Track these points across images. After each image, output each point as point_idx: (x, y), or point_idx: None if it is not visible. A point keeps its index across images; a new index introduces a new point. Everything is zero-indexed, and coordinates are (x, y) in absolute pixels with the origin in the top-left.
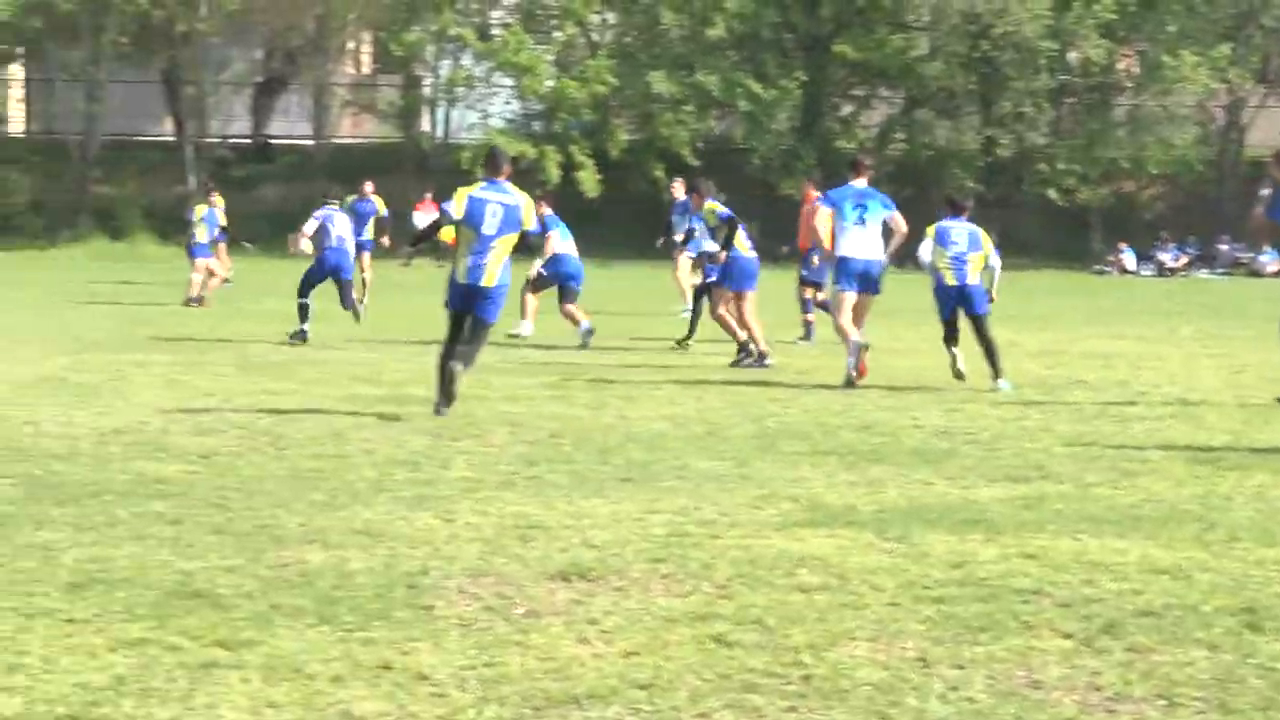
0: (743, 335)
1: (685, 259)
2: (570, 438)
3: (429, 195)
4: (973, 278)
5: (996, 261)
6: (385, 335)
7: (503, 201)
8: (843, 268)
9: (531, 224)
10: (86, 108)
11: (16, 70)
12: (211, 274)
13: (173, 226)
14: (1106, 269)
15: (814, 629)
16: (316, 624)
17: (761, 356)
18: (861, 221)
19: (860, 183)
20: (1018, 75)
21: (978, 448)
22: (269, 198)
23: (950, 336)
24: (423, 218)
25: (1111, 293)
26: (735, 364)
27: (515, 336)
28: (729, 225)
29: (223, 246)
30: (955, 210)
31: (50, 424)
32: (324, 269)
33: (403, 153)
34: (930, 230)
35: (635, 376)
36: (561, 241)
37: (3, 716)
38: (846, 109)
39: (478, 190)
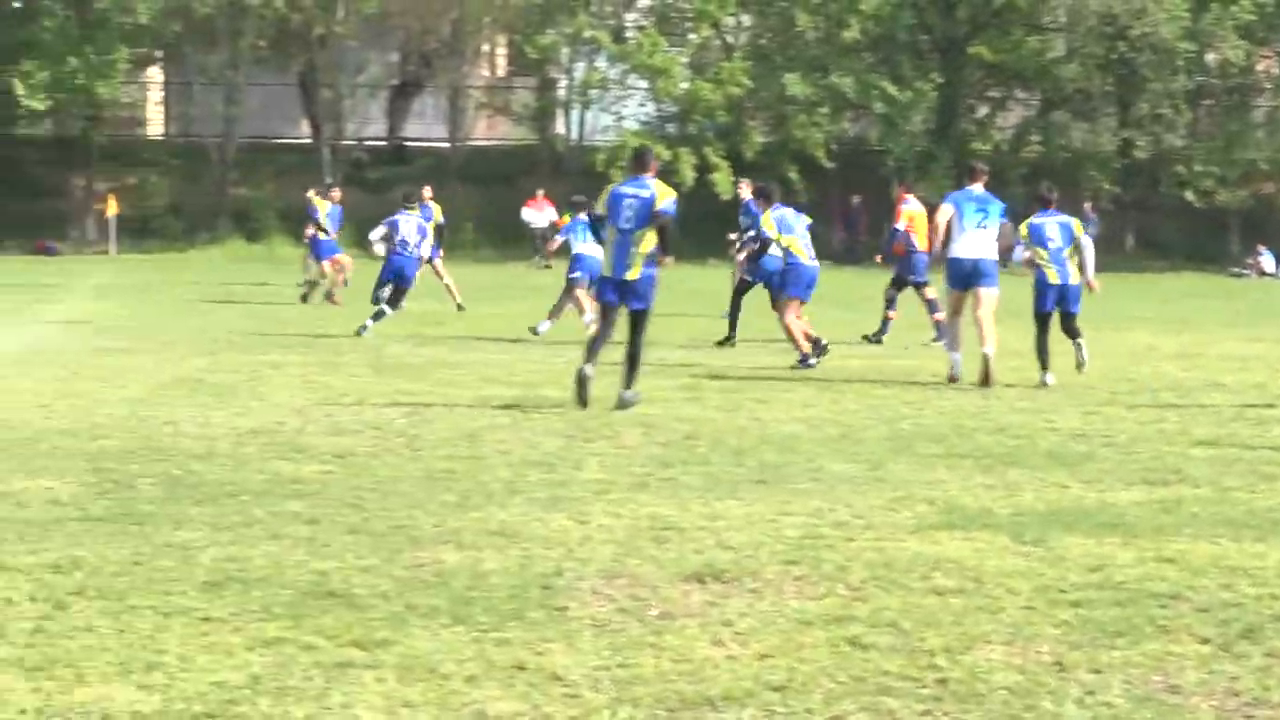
0: (805, 346)
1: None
2: (704, 439)
3: (540, 192)
4: (1073, 276)
5: (1088, 243)
6: (519, 336)
7: (638, 195)
8: (954, 269)
9: (663, 206)
10: (224, 110)
11: (155, 73)
12: (326, 271)
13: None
14: (1244, 271)
15: (949, 632)
16: (451, 624)
17: (804, 358)
18: (982, 226)
19: (977, 188)
20: (1155, 76)
21: (1114, 451)
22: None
23: (1045, 339)
24: (532, 214)
25: (1249, 295)
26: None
27: (533, 331)
28: (762, 244)
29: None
30: (1044, 204)
31: (188, 424)
32: (388, 270)
33: (537, 155)
34: (1024, 230)
35: (770, 378)
36: (582, 243)
37: (141, 714)
38: (982, 111)
39: (619, 186)
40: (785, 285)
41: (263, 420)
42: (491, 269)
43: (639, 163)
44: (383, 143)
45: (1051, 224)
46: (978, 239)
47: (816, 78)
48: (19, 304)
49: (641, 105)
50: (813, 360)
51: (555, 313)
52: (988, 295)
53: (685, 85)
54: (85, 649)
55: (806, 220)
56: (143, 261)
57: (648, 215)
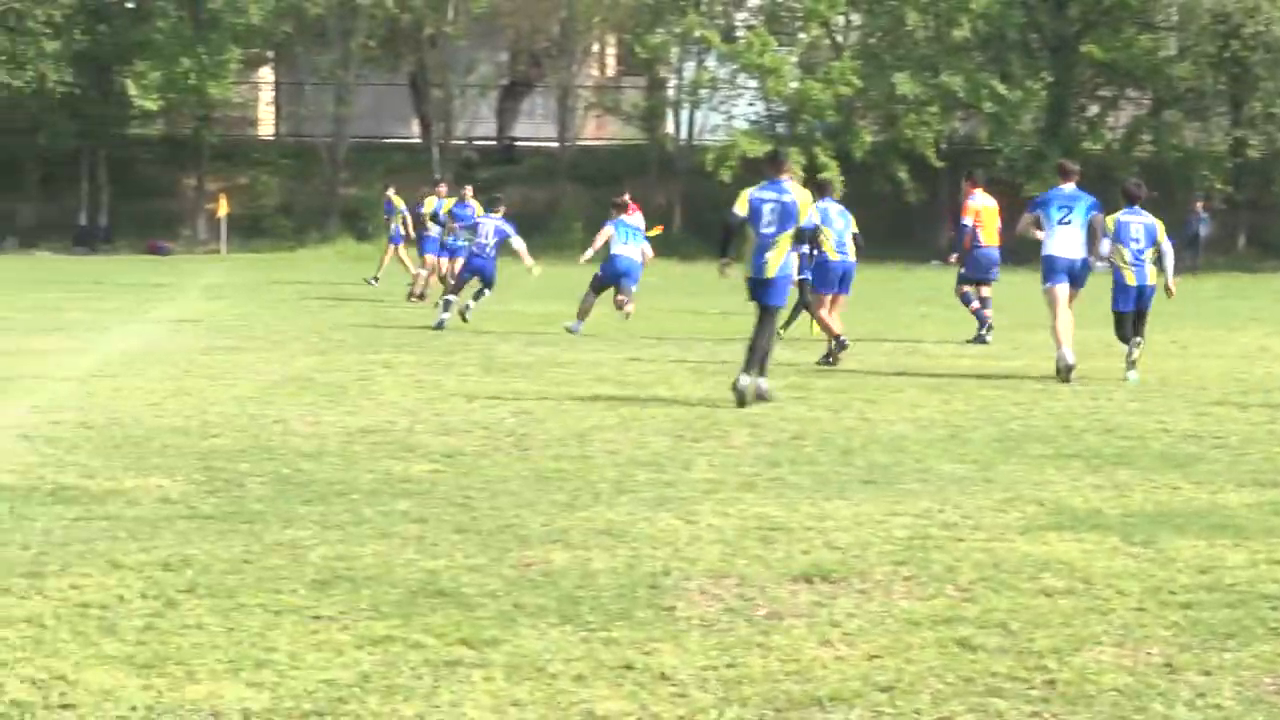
0: (834, 332)
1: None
2: (812, 439)
3: (626, 195)
4: (1151, 278)
5: (1169, 249)
6: (632, 336)
7: (779, 199)
8: (1048, 265)
9: (806, 219)
10: (335, 110)
11: (267, 74)
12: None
13: (416, 227)
14: None
15: (1058, 633)
16: (559, 623)
17: (827, 355)
18: (1066, 222)
19: (1068, 187)
20: (1268, 75)
21: (1226, 452)
22: (513, 199)
23: (1125, 330)
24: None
25: None
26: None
27: (569, 331)
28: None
29: (396, 247)
30: (1130, 200)
31: (298, 423)
32: (467, 270)
33: (646, 155)
34: (1110, 223)
35: (878, 378)
36: (620, 244)
37: (250, 712)
38: (1093, 110)
39: (757, 190)
40: (815, 282)
41: (372, 419)
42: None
43: (774, 165)
44: (492, 142)
45: (1137, 224)
46: (1066, 236)
47: (926, 77)
48: (131, 303)
49: (751, 105)
50: (834, 358)
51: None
52: (1073, 292)
53: (795, 85)
54: (195, 646)
55: (850, 220)
56: (253, 261)
57: (791, 219)
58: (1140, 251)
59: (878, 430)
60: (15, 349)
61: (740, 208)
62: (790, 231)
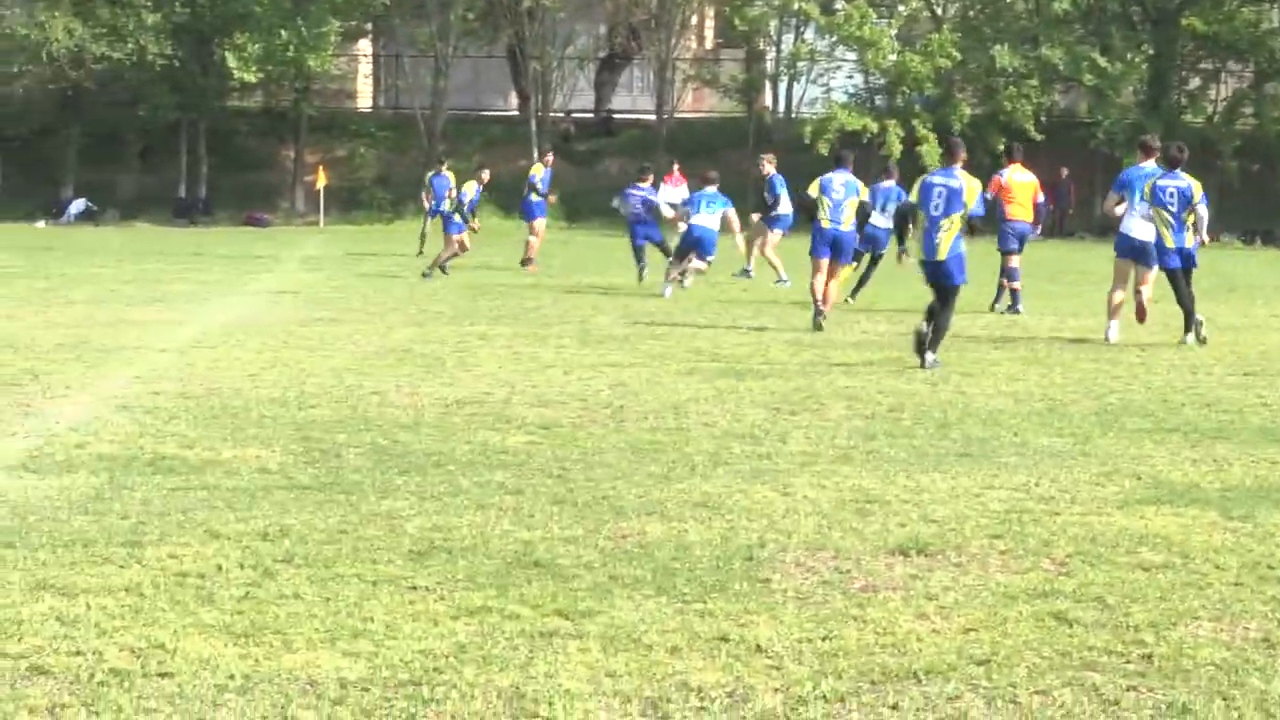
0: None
1: (776, 234)
2: (909, 412)
3: (676, 167)
4: (1189, 240)
5: (1204, 210)
6: (729, 309)
7: (947, 184)
8: (1120, 241)
9: (973, 205)
10: (433, 83)
11: (365, 46)
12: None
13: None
14: None
15: (1155, 608)
16: (655, 595)
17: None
18: (1145, 202)
19: (1149, 165)
20: None
21: None
22: (611, 172)
23: (1177, 285)
24: (671, 191)
25: None
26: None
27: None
28: (863, 211)
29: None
30: (1172, 165)
31: (396, 394)
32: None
33: (744, 127)
34: (1147, 189)
35: (975, 352)
36: (702, 214)
37: (346, 681)
38: (1194, 83)
39: (930, 176)
40: (811, 248)
41: (469, 390)
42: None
43: (949, 154)
44: (590, 115)
45: (1173, 186)
46: (1142, 218)
47: (1026, 49)
48: (230, 275)
49: (849, 77)
50: (820, 319)
51: (676, 272)
52: (1149, 274)
53: (893, 57)
54: (292, 616)
55: (858, 191)
56: (350, 233)
57: (958, 204)
58: (1178, 213)
59: (974, 403)
60: (116, 320)
61: (914, 193)
62: (959, 214)
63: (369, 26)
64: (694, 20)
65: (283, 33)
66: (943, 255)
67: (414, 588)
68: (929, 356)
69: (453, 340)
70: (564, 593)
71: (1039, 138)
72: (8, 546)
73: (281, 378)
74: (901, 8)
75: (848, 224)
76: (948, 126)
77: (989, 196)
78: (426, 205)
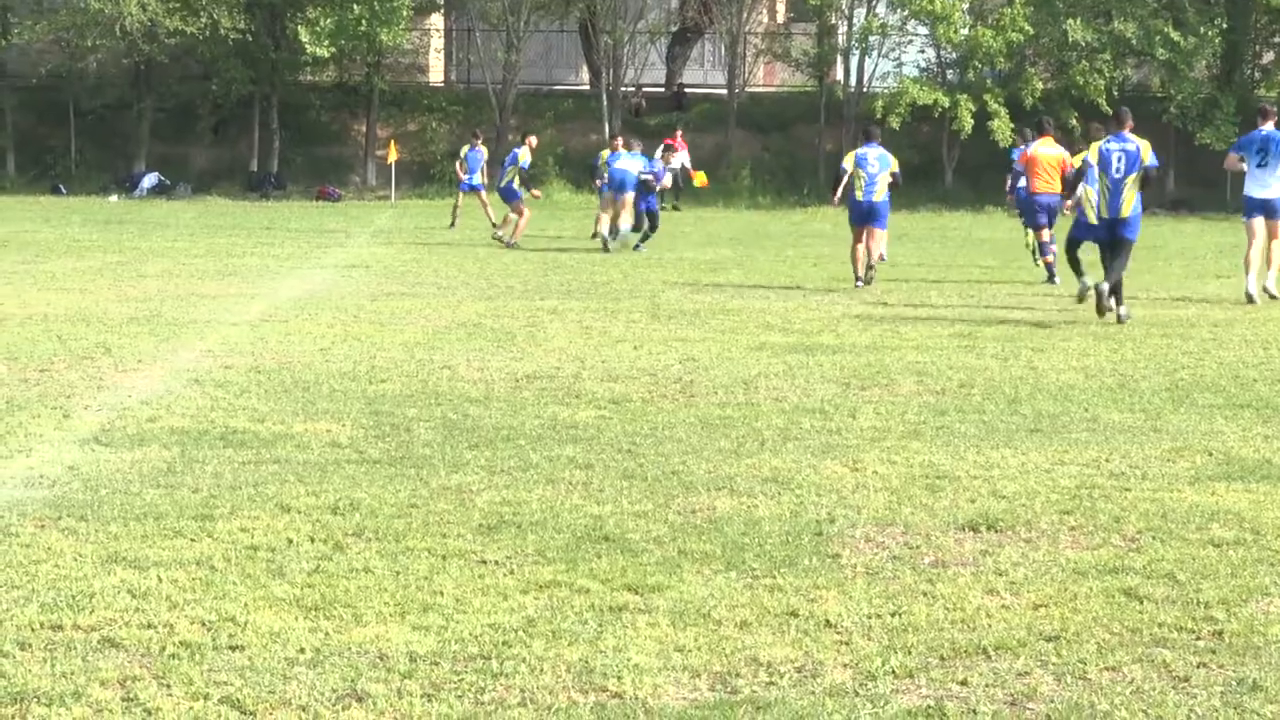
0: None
1: None
2: (979, 388)
3: (679, 133)
4: (1125, 208)
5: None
6: (800, 283)
7: (1124, 149)
8: (1247, 204)
9: (1149, 159)
10: (504, 57)
11: (437, 20)
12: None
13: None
14: None
15: (1226, 584)
16: (724, 570)
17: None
18: (1263, 165)
19: (1269, 126)
20: None
21: None
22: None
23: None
24: (678, 156)
25: None
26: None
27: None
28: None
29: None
30: (1265, 117)
31: (466, 368)
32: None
33: (815, 101)
34: (1094, 151)
35: (1046, 327)
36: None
37: (416, 654)
38: (1268, 57)
39: (1104, 142)
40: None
41: (539, 365)
42: (768, 215)
43: (1118, 121)
44: (661, 89)
45: (1119, 151)
46: (1262, 177)
47: (1099, 24)
48: (302, 249)
49: (921, 51)
50: (859, 284)
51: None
52: (1273, 225)
53: (965, 31)
54: (362, 589)
55: (890, 163)
56: (422, 207)
57: (1136, 164)
58: (1120, 179)
59: (1045, 379)
60: (187, 294)
61: (1095, 156)
62: (1138, 173)
63: (441, 1)
64: None
65: (355, 7)
66: (1126, 213)
67: (483, 562)
68: (1122, 311)
69: (523, 315)
70: (633, 567)
71: (1111, 112)
72: (80, 519)
73: (352, 352)
74: None
75: (880, 195)
76: (1019, 101)
77: (1018, 168)
78: (462, 178)
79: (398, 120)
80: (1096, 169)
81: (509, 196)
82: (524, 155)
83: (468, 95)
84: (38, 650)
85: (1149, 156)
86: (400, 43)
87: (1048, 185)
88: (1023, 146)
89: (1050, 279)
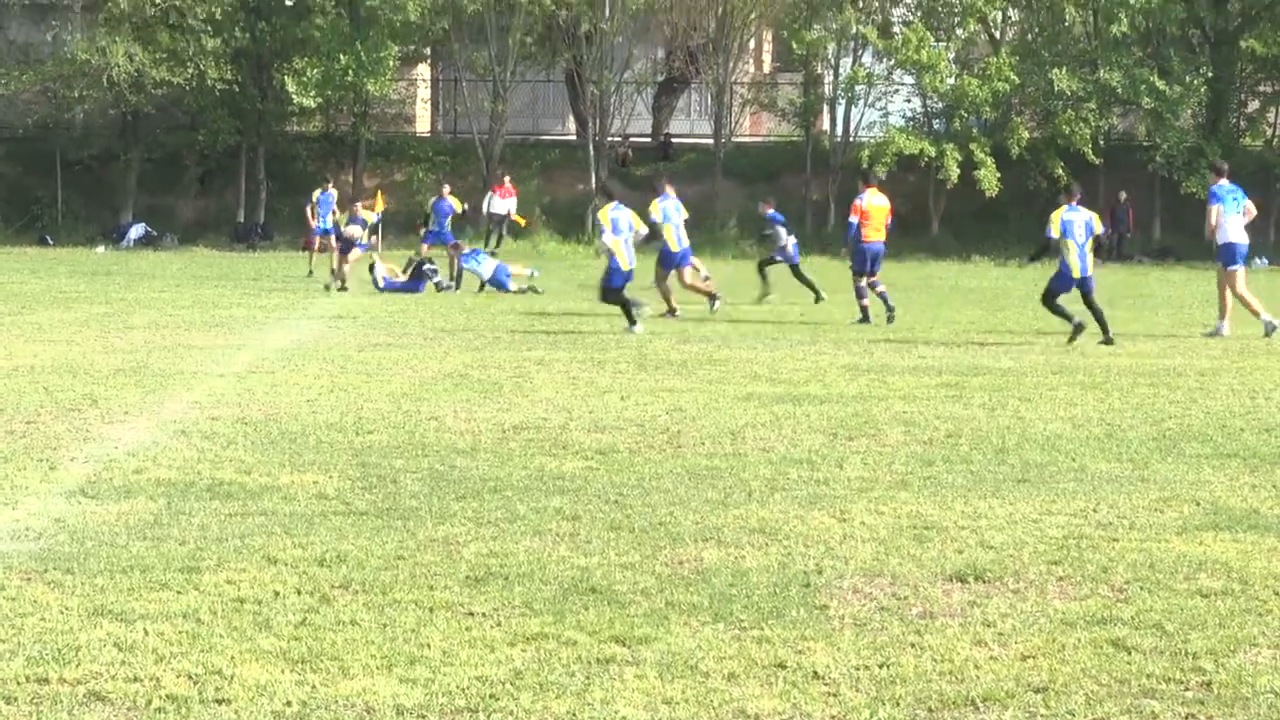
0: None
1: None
2: (966, 438)
3: (507, 179)
4: (1090, 267)
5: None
6: (786, 333)
7: (1083, 219)
8: (1231, 251)
9: (1098, 228)
10: (491, 107)
11: (423, 70)
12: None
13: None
14: None
15: (1215, 635)
16: (712, 621)
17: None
18: (1239, 212)
19: (1225, 182)
20: None
21: None
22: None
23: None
24: (498, 201)
25: None
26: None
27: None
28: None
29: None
30: (1070, 199)
31: (453, 419)
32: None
33: (802, 151)
34: (1056, 219)
35: (1033, 376)
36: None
37: (403, 707)
38: (1253, 106)
39: (1063, 212)
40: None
41: (526, 416)
42: (754, 265)
43: (1069, 194)
44: (648, 139)
45: (1079, 220)
46: (1238, 223)
47: (1084, 73)
48: (289, 300)
49: (907, 101)
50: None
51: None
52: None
53: (951, 81)
54: (349, 642)
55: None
56: (410, 256)
57: (1090, 232)
58: (1083, 245)
59: (1032, 429)
60: (174, 344)
61: (1053, 228)
62: (1091, 240)
63: (427, 51)
64: (752, 44)
65: (342, 58)
66: (1090, 271)
67: (471, 614)
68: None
69: (510, 365)
70: (621, 619)
71: (1097, 161)
72: (66, 572)
73: (339, 403)
74: (959, 31)
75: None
76: (1006, 150)
77: (854, 221)
78: (313, 224)
79: (385, 170)
80: (1071, 235)
81: (444, 240)
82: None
83: (454, 145)
84: (23, 704)
85: (1098, 225)
86: (387, 93)
87: (876, 234)
88: (860, 196)
89: (864, 319)
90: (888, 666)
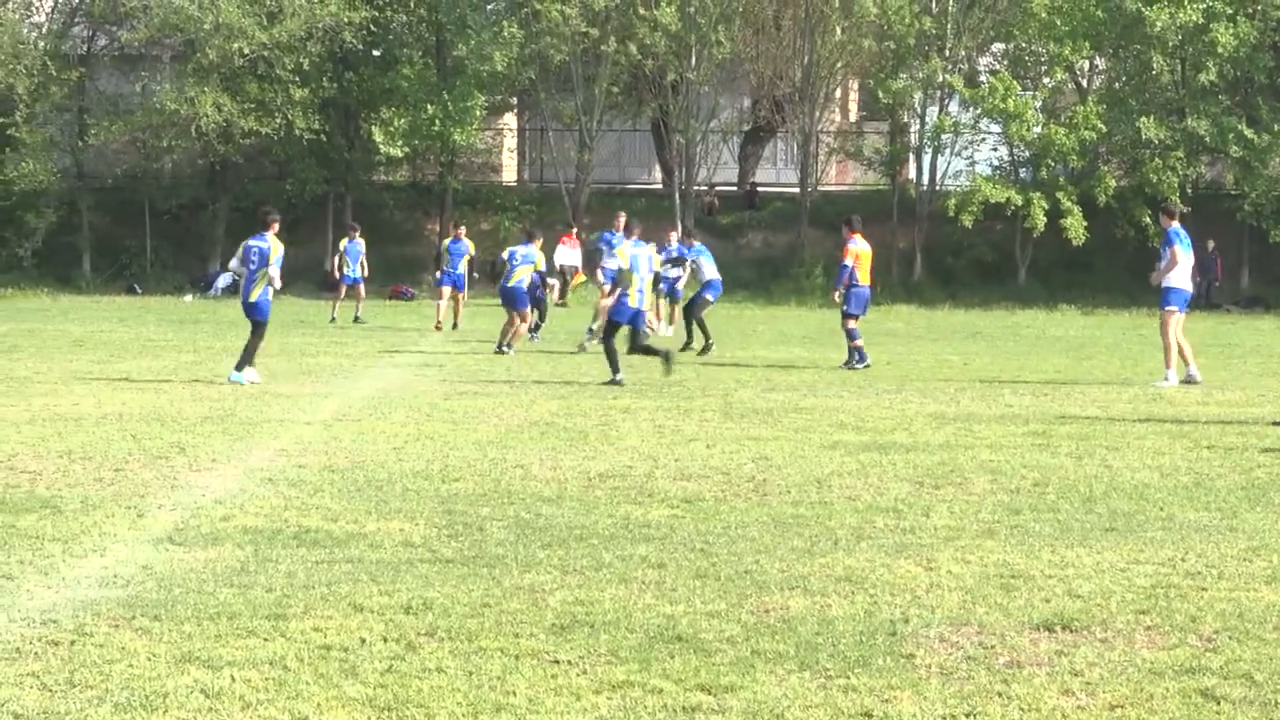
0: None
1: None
2: (1054, 487)
3: (574, 230)
4: None
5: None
6: (872, 382)
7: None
8: (1179, 296)
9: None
10: (577, 156)
11: (510, 120)
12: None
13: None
14: None
15: None
16: (797, 670)
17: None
18: (1190, 256)
19: (1175, 224)
20: None
21: None
22: (755, 245)
23: None
24: (565, 252)
25: None
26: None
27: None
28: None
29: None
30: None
31: (539, 467)
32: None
33: (888, 200)
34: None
35: (1121, 424)
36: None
37: None
38: None
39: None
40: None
41: (612, 464)
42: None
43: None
44: (734, 188)
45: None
46: (1187, 268)
47: (1172, 121)
48: (375, 348)
49: (994, 149)
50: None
51: None
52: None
53: (1038, 130)
54: (435, 690)
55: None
56: (496, 306)
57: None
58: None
59: (1120, 477)
60: (261, 392)
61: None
62: None
63: (514, 101)
64: (837, 93)
65: (429, 108)
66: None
67: (556, 661)
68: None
69: (596, 413)
70: (707, 667)
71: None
72: (154, 619)
73: (425, 451)
74: (1046, 80)
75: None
76: (1093, 199)
77: (848, 264)
78: (437, 275)
79: (471, 219)
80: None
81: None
82: (535, 252)
83: (541, 194)
84: None
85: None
86: (473, 142)
87: (866, 278)
88: (851, 241)
89: (852, 363)
90: (974, 716)
